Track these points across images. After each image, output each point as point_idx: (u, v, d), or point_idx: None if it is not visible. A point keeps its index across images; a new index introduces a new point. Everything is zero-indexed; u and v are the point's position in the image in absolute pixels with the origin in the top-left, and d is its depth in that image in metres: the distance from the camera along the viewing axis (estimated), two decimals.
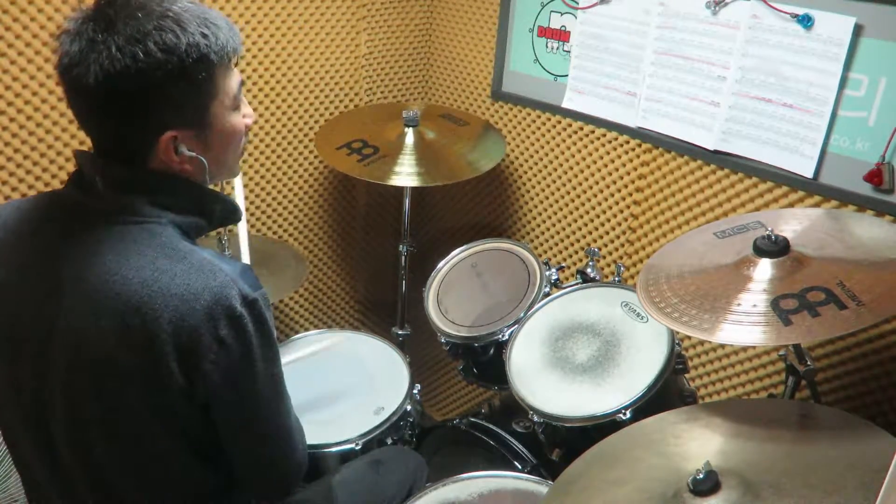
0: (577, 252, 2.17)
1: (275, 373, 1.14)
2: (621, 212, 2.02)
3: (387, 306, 2.63)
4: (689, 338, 1.81)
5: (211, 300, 1.01)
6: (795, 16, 1.56)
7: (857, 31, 1.49)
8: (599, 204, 2.06)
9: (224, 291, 1.02)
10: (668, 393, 1.52)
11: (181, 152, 1.06)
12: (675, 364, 1.52)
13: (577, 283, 1.76)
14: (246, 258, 1.60)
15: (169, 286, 1.00)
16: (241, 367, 1.06)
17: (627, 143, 1.95)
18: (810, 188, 1.62)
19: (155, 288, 1.00)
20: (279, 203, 2.24)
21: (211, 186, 1.14)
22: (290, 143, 2.19)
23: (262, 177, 2.18)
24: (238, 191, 1.61)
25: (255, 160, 2.15)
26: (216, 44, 1.02)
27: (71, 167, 1.81)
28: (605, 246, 2.08)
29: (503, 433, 1.73)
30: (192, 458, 1.15)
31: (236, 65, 1.10)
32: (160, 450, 1.12)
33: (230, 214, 1.17)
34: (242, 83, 1.12)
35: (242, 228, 1.65)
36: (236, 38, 1.07)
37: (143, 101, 1.00)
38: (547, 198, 2.20)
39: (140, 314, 1.00)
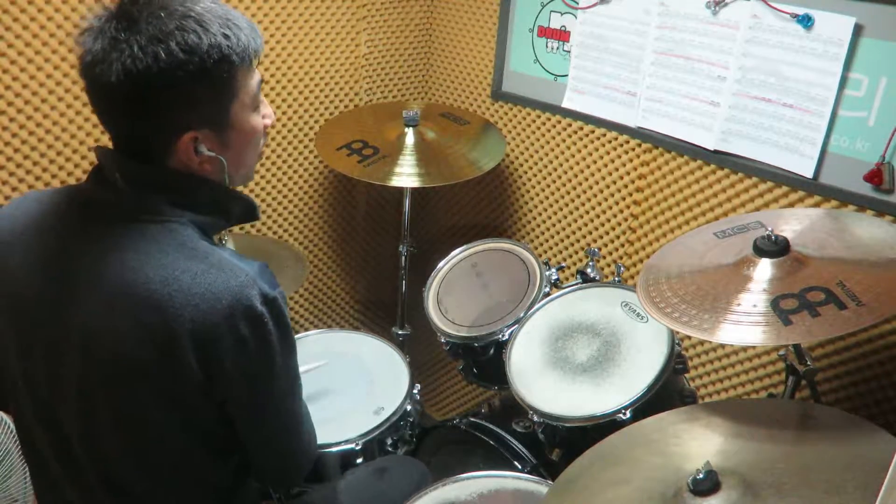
0: (577, 252, 2.17)
1: (292, 366, 1.16)
2: (621, 212, 2.02)
3: (387, 306, 2.63)
4: (689, 338, 1.81)
5: (232, 300, 1.01)
6: (795, 16, 1.56)
7: (857, 31, 1.49)
8: (599, 204, 2.06)
9: (245, 291, 1.02)
10: (668, 393, 1.52)
11: (201, 152, 1.06)
12: (675, 364, 1.52)
13: (577, 283, 1.76)
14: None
15: (190, 286, 1.01)
16: (261, 363, 1.08)
17: (627, 143, 1.95)
18: (810, 188, 1.62)
19: (175, 287, 1.00)
20: (279, 203, 2.24)
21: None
22: (290, 143, 2.20)
23: (262, 177, 2.18)
24: None
25: None
26: (238, 45, 1.02)
27: (71, 166, 1.81)
28: (605, 246, 2.08)
29: (503, 433, 1.73)
30: (204, 455, 1.16)
31: (258, 65, 1.10)
32: (172, 446, 1.12)
33: (249, 213, 1.18)
34: (262, 82, 1.12)
35: None
36: (258, 38, 1.07)
37: (165, 100, 1.00)
38: (547, 198, 2.20)
39: (160, 313, 1.00)
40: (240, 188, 1.19)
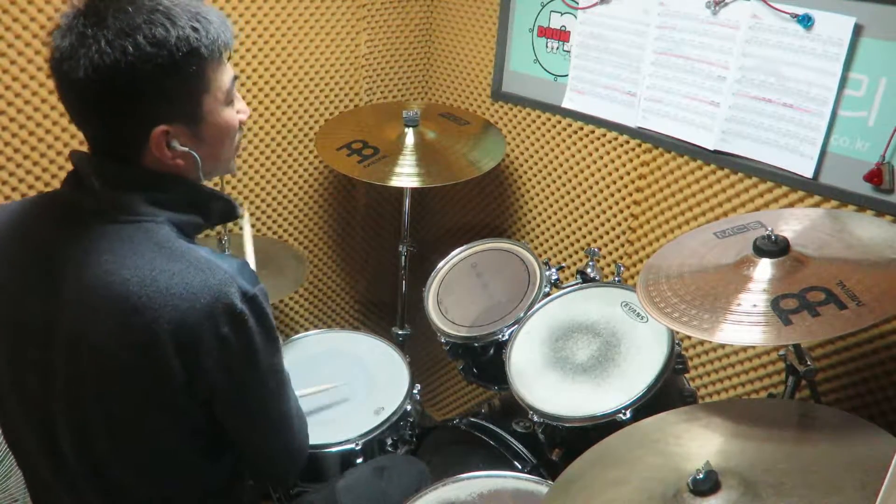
0: (577, 252, 2.17)
1: (276, 364, 1.15)
2: (621, 212, 2.02)
3: (387, 306, 2.63)
4: (689, 338, 1.81)
5: (211, 298, 1.01)
6: (795, 16, 1.56)
7: (857, 31, 1.49)
8: (599, 204, 2.06)
9: (224, 289, 1.02)
10: (668, 393, 1.52)
11: (173, 147, 1.05)
12: (675, 364, 1.52)
13: (577, 283, 1.76)
14: (251, 257, 1.60)
15: (168, 286, 1.00)
16: (243, 362, 1.07)
17: (627, 143, 1.95)
18: (810, 188, 1.62)
19: (154, 288, 1.00)
20: (279, 203, 2.24)
21: (208, 184, 1.15)
22: (290, 143, 2.19)
23: (262, 177, 2.18)
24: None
25: (255, 160, 2.15)
26: (207, 38, 1.02)
27: (71, 167, 1.80)
28: (605, 246, 2.08)
29: (503, 433, 1.73)
30: (195, 455, 1.16)
31: (229, 59, 1.10)
32: (163, 447, 1.12)
33: (229, 212, 1.17)
34: (236, 78, 1.12)
35: (247, 229, 1.65)
36: (228, 32, 1.06)
37: (134, 95, 1.00)
38: (547, 198, 2.20)
39: (140, 314, 1.00)
40: (226, 189, 1.19)
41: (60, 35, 0.99)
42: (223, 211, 1.16)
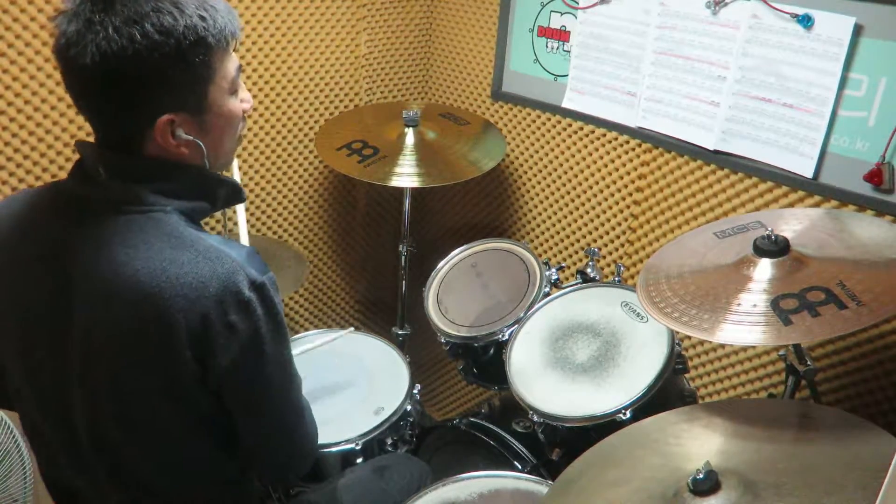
0: (577, 252, 2.17)
1: (284, 354, 1.14)
2: (621, 212, 2.02)
3: (387, 306, 2.63)
4: (689, 338, 1.81)
5: (219, 287, 1.01)
6: (795, 16, 1.56)
7: (857, 31, 1.49)
8: (599, 204, 2.06)
9: (232, 277, 1.02)
10: (668, 393, 1.52)
11: (178, 136, 1.05)
12: (675, 364, 1.52)
13: (577, 283, 1.76)
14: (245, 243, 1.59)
15: (178, 275, 1.00)
16: (251, 350, 1.07)
17: (627, 143, 1.95)
18: (810, 188, 1.62)
19: (164, 278, 1.00)
20: (279, 203, 2.24)
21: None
22: (290, 143, 2.19)
23: (262, 177, 2.18)
24: (235, 174, 1.61)
25: (255, 160, 2.15)
26: (214, 27, 1.02)
27: (72, 165, 1.80)
28: (605, 246, 2.08)
29: (503, 433, 1.73)
30: (209, 446, 1.16)
31: (235, 49, 1.10)
32: (177, 439, 1.13)
33: (233, 195, 1.17)
34: (240, 67, 1.12)
35: (241, 216, 1.64)
36: (235, 22, 1.06)
37: (140, 82, 1.00)
38: (547, 198, 2.20)
39: (151, 305, 1.00)
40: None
41: (66, 20, 0.98)
42: (229, 195, 1.16)
